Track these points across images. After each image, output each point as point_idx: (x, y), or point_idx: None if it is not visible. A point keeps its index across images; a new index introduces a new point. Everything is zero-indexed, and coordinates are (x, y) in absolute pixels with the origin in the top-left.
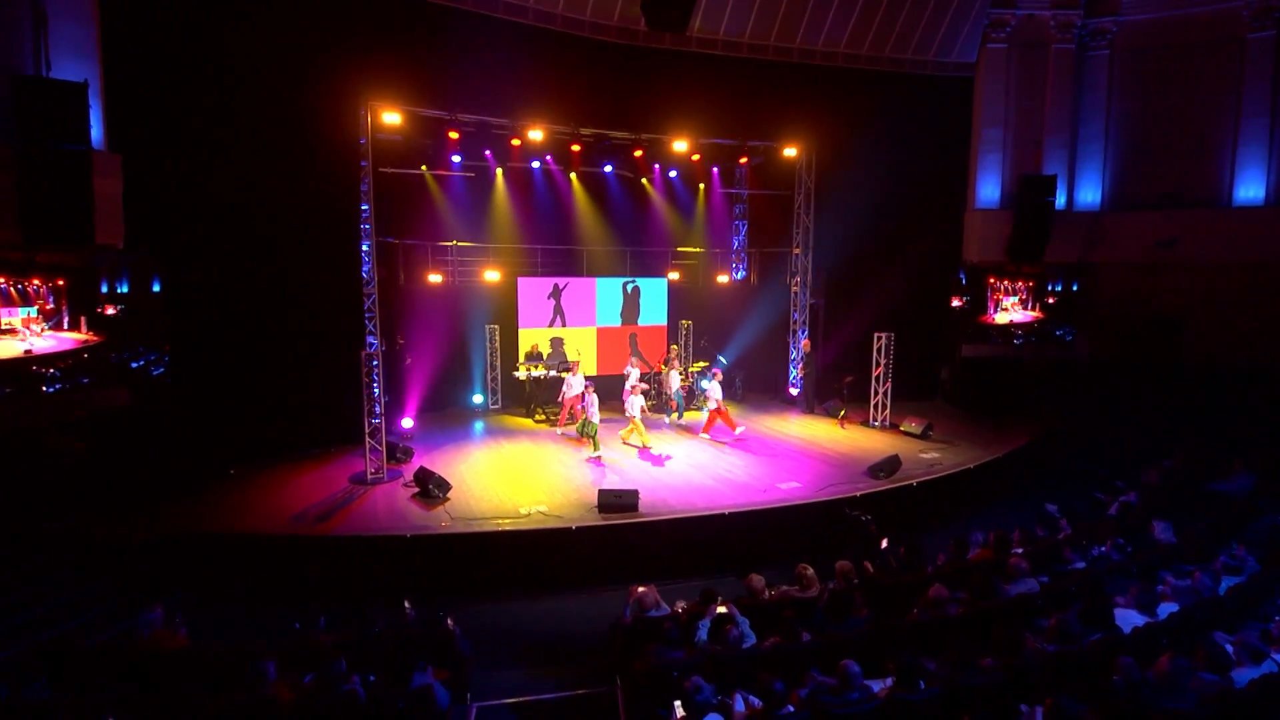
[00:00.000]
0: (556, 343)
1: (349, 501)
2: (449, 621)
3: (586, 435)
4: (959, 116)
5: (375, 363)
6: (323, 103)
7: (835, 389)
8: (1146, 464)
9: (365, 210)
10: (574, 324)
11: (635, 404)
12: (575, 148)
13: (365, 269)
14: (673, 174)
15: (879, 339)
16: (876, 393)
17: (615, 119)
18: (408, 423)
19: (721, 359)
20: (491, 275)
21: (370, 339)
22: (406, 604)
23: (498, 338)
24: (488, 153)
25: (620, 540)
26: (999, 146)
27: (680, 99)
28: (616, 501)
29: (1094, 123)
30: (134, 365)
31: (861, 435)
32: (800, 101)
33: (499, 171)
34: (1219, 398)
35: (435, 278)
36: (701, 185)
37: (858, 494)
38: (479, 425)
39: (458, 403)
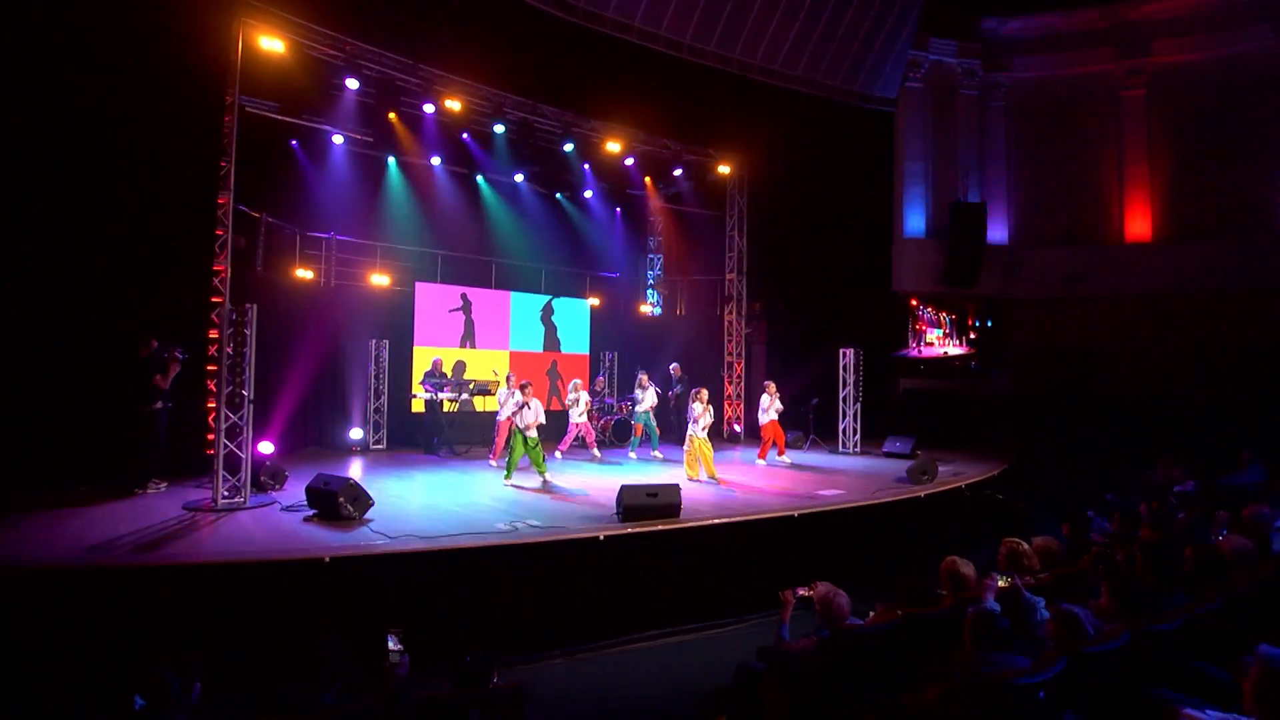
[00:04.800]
0: (459, 367)
1: (191, 530)
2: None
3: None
4: (883, 148)
5: (245, 362)
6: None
7: (795, 417)
8: (1129, 476)
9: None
10: (483, 345)
11: (700, 422)
12: (499, 128)
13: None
14: (588, 194)
15: (844, 354)
16: (845, 415)
17: (546, 93)
18: (266, 447)
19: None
20: (379, 279)
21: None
22: (393, 642)
23: (385, 356)
24: (392, 116)
25: (670, 555)
26: (922, 179)
27: (616, 89)
28: (650, 503)
29: (997, 164)
30: None
31: (845, 461)
32: (735, 115)
33: (392, 160)
34: (1131, 427)
35: (304, 273)
36: (619, 209)
37: (919, 492)
38: (358, 466)
39: (323, 440)
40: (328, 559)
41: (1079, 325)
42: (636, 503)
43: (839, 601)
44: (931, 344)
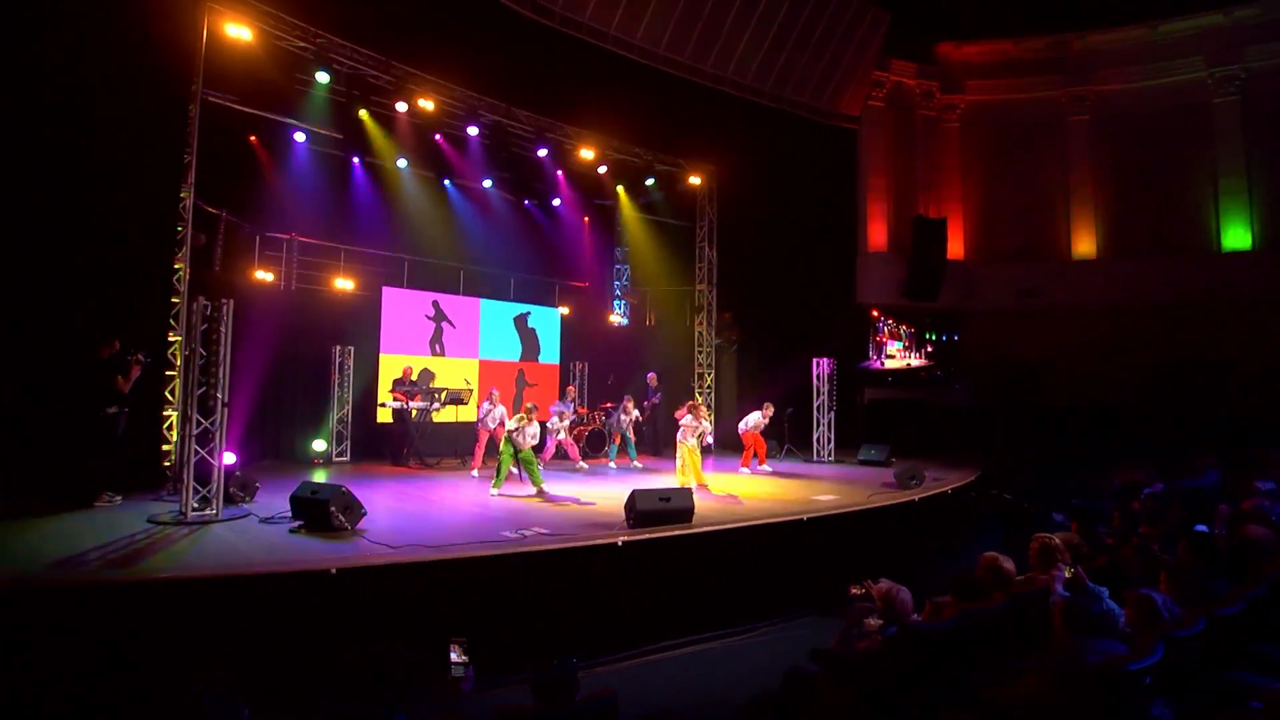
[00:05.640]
0: (426, 375)
1: (166, 544)
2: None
3: (525, 468)
4: (847, 164)
5: (219, 362)
6: None
7: (771, 426)
8: (1089, 481)
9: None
10: (453, 353)
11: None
12: (473, 130)
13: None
14: (556, 201)
15: (818, 364)
16: (819, 424)
17: (520, 96)
18: (229, 458)
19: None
20: (343, 283)
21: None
22: (456, 654)
23: (350, 364)
24: (363, 114)
25: (686, 562)
26: (884, 195)
27: (590, 95)
28: (663, 508)
29: (953, 183)
30: None
31: (823, 469)
32: (706, 126)
33: (357, 161)
34: (1084, 435)
35: (264, 275)
36: (588, 218)
37: (913, 495)
38: (322, 476)
39: (280, 453)
40: (334, 570)
41: (1032, 338)
42: (649, 508)
43: (903, 598)
44: (893, 356)
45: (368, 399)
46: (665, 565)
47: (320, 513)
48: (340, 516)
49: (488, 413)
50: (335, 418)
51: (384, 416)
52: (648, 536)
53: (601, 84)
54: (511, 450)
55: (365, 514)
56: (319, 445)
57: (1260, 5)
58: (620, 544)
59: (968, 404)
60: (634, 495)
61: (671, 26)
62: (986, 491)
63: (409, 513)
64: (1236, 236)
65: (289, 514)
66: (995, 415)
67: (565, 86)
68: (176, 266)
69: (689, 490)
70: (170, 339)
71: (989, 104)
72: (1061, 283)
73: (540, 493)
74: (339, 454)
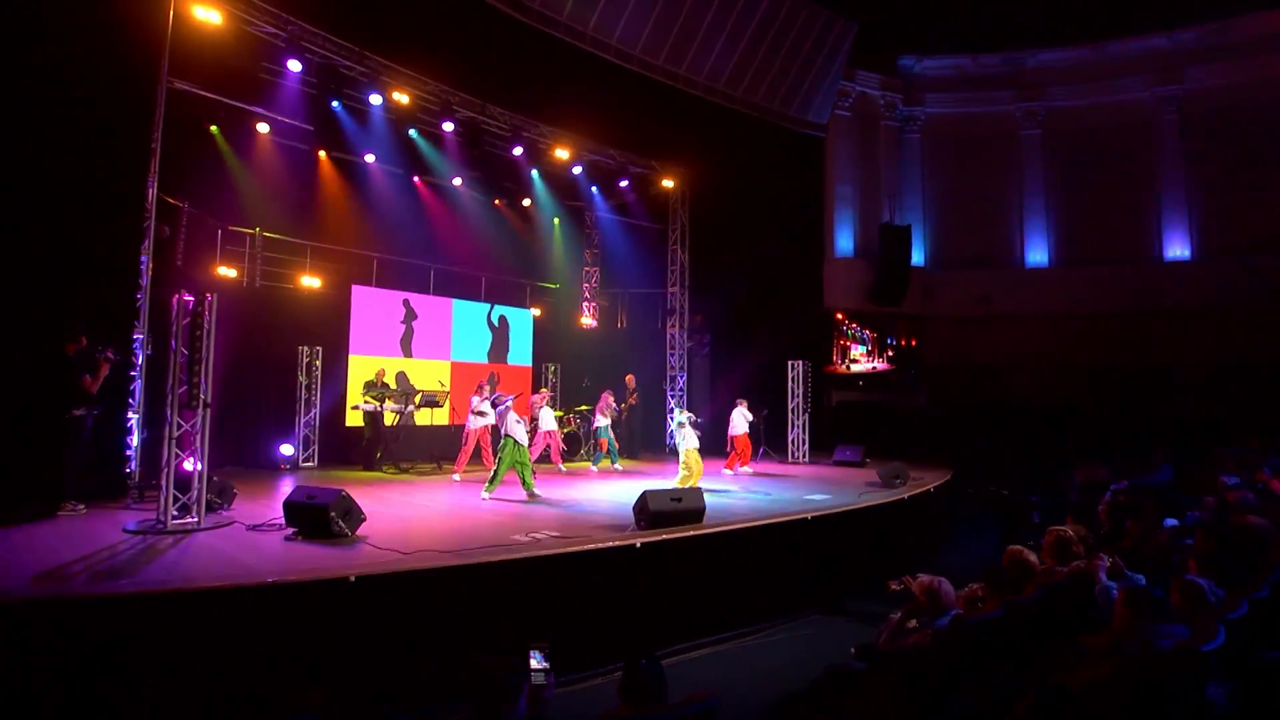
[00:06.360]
0: (400, 377)
1: (153, 554)
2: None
3: (516, 471)
4: (815, 171)
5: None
6: None
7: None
8: (1048, 479)
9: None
10: (424, 354)
11: (690, 437)
12: (448, 126)
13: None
14: (526, 202)
15: (793, 367)
16: (794, 426)
17: (496, 93)
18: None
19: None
20: (310, 281)
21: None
22: (537, 660)
23: (318, 366)
24: (335, 104)
25: (698, 562)
26: (850, 202)
27: (566, 94)
28: (674, 508)
29: (914, 192)
30: None
31: (800, 469)
32: (680, 130)
33: (324, 154)
34: (1038, 436)
35: (227, 271)
36: (559, 219)
37: (902, 494)
38: (291, 485)
39: (243, 458)
40: (353, 578)
41: (989, 342)
42: (661, 508)
43: (945, 589)
44: (857, 360)
45: (336, 402)
46: (680, 566)
47: (319, 518)
48: (340, 522)
49: (477, 406)
50: (302, 421)
51: (354, 420)
52: (664, 537)
53: (578, 84)
54: (513, 452)
55: (365, 519)
56: (287, 449)
57: (1199, 29)
58: (639, 545)
59: (928, 406)
60: (645, 496)
61: (648, 29)
62: (985, 488)
63: (405, 518)
64: (1177, 247)
65: (277, 520)
66: (954, 417)
67: (541, 85)
68: (140, 259)
69: (699, 490)
70: (135, 336)
71: (947, 116)
72: (1016, 290)
73: (532, 496)
74: (306, 459)
